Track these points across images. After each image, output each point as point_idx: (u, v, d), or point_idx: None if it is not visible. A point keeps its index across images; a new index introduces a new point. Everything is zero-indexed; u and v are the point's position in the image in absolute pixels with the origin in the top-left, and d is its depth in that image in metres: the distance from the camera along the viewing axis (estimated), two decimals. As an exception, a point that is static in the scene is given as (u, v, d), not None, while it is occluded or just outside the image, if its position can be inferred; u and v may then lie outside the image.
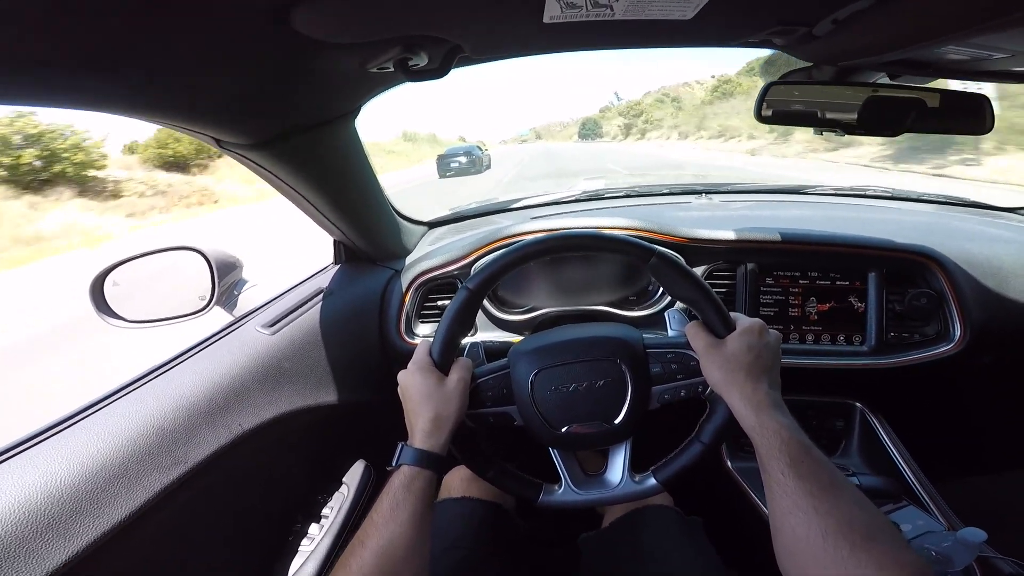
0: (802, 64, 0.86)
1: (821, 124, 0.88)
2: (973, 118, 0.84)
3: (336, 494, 1.03)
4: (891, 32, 0.61)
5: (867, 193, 1.62)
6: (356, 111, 0.86)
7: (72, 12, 0.38)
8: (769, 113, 0.87)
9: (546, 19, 0.59)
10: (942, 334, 1.07)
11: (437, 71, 0.70)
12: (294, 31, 0.51)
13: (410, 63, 0.67)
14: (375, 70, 0.67)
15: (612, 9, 0.57)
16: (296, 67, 0.62)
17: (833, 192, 1.62)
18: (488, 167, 20.49)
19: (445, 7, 0.56)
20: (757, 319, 0.67)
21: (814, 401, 1.19)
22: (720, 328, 0.66)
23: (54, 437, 0.62)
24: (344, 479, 1.06)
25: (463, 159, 19.19)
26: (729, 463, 1.13)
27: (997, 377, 1.25)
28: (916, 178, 10.48)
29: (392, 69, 0.67)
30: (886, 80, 0.85)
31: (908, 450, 1.08)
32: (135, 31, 0.43)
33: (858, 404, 1.18)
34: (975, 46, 0.60)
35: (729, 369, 0.63)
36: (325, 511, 1.00)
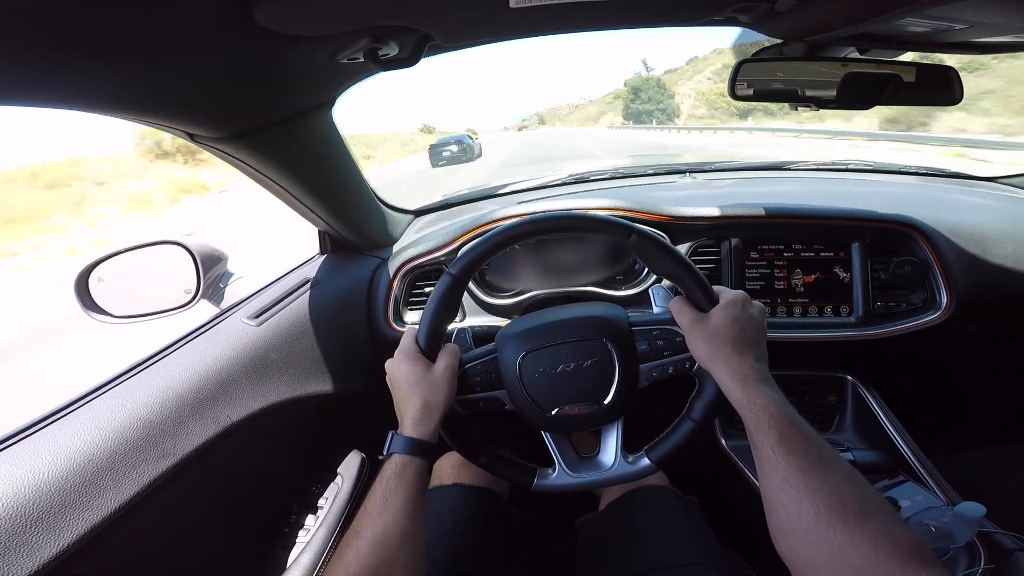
0: (773, 42, 0.86)
1: (796, 100, 0.88)
2: (944, 90, 0.84)
3: (331, 485, 1.04)
4: (851, 4, 0.62)
5: (849, 167, 1.63)
6: (331, 102, 0.86)
7: (29, 3, 0.37)
8: (744, 91, 0.87)
9: (513, 3, 0.59)
10: (929, 302, 1.09)
11: (407, 60, 0.70)
12: (256, 24, 0.51)
13: (380, 53, 0.67)
14: (345, 61, 0.68)
15: None
16: (264, 59, 0.62)
17: (816, 167, 1.63)
18: (480, 155, 20.80)
19: None
20: (740, 291, 0.67)
21: (805, 375, 1.20)
22: (703, 302, 0.67)
23: (40, 432, 0.63)
24: (339, 469, 1.07)
25: (454, 148, 19.57)
26: (723, 441, 1.14)
27: (986, 346, 1.26)
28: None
29: (362, 60, 0.68)
30: (856, 55, 0.85)
31: (902, 424, 1.09)
32: (93, 23, 0.43)
33: (849, 377, 1.19)
34: (934, 17, 0.60)
35: (714, 343, 0.63)
36: (320, 502, 1.01)
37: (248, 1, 0.47)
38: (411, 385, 0.66)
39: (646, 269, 1.15)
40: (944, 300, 1.06)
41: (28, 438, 0.62)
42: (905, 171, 1.59)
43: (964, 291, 1.05)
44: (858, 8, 0.62)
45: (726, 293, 0.67)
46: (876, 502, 0.49)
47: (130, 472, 0.64)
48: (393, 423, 0.68)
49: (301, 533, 0.95)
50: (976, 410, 1.43)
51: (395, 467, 0.61)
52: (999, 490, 0.93)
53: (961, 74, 0.81)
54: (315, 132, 0.88)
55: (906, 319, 1.08)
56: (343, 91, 0.85)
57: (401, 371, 0.67)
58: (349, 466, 1.09)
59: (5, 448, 0.60)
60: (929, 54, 0.84)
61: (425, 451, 0.63)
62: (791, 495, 0.50)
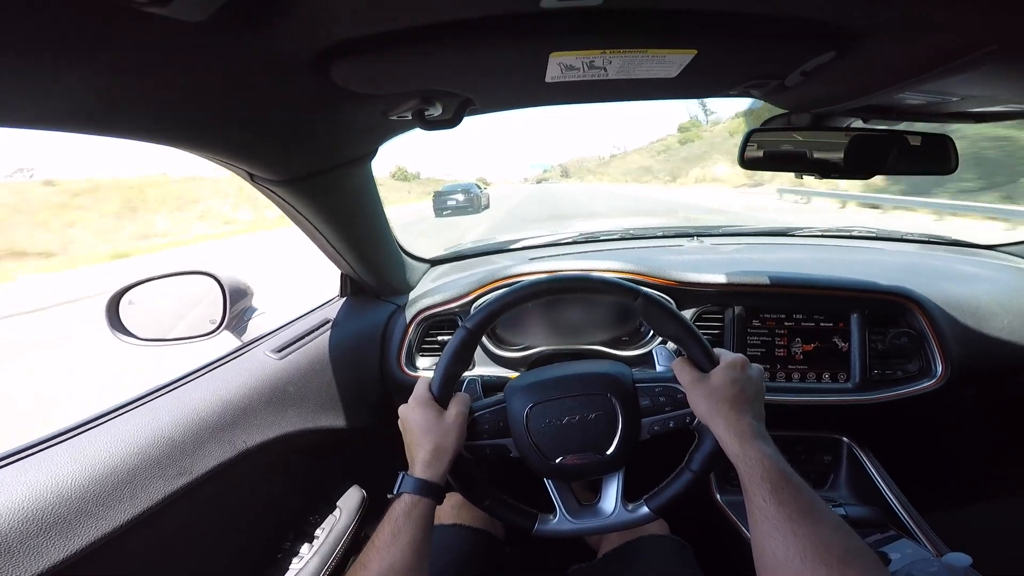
0: (781, 111, 0.94)
1: (804, 164, 0.94)
2: (941, 158, 0.90)
3: (329, 516, 1.05)
4: (853, 81, 0.69)
5: (852, 234, 1.68)
6: (373, 153, 0.93)
7: (163, 64, 0.45)
8: (752, 158, 0.94)
9: (548, 79, 0.66)
10: (924, 370, 1.12)
11: (450, 121, 0.77)
12: (331, 82, 0.58)
13: (426, 113, 0.74)
14: (395, 117, 0.75)
15: (606, 71, 0.64)
16: (327, 113, 0.69)
17: (820, 234, 1.68)
18: (487, 206, 19.89)
19: (461, 68, 0.63)
20: (740, 354, 0.72)
21: (802, 436, 1.22)
22: (705, 363, 0.71)
23: (69, 440, 0.66)
24: (338, 502, 1.08)
25: (460, 197, 18.39)
26: (718, 496, 1.16)
27: (978, 409, 1.28)
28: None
29: (410, 117, 0.75)
30: (859, 124, 0.91)
31: (895, 481, 1.10)
32: (196, 84, 0.50)
33: (844, 438, 1.22)
34: (929, 92, 0.67)
35: (714, 401, 0.67)
36: (317, 532, 1.01)
37: (327, 60, 0.54)
38: (423, 430, 0.69)
39: (650, 331, 1.18)
40: (939, 369, 1.09)
41: (56, 446, 0.64)
42: (907, 238, 1.64)
43: (959, 361, 1.08)
44: (859, 84, 0.69)
45: (726, 355, 0.72)
46: (861, 551, 0.52)
47: (147, 487, 0.67)
48: (395, 463, 0.71)
49: (295, 560, 0.95)
50: (967, 466, 1.43)
51: (404, 506, 0.63)
52: (985, 541, 0.92)
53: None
54: (355, 180, 0.95)
55: (901, 386, 1.11)
56: (384, 143, 0.93)
57: (414, 416, 0.71)
58: (348, 500, 1.10)
59: (33, 454, 0.62)
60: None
61: (434, 492, 0.66)
62: (779, 541, 0.53)
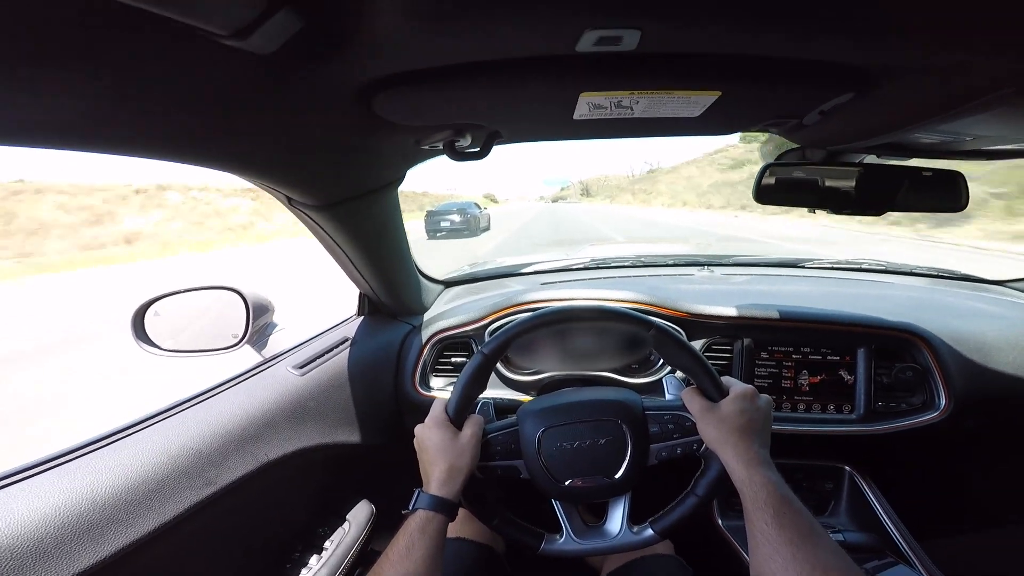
0: (795, 145, 0.96)
1: (818, 197, 0.96)
2: (952, 195, 0.91)
3: (338, 529, 1.06)
4: (869, 121, 0.72)
5: (862, 267, 1.69)
6: (401, 178, 0.97)
7: (229, 94, 0.49)
8: (767, 193, 0.96)
9: (576, 116, 0.69)
10: (928, 403, 1.13)
11: (478, 153, 0.81)
12: (372, 112, 0.61)
13: (456, 144, 0.78)
14: (426, 147, 0.78)
15: (632, 110, 0.67)
16: (365, 141, 0.73)
17: (830, 266, 1.69)
18: (487, 228, 18.44)
19: (494, 104, 0.66)
20: (749, 385, 0.75)
21: (804, 464, 1.24)
22: (714, 393, 0.74)
23: (106, 448, 0.68)
24: (347, 516, 1.10)
25: (456, 218, 16.59)
26: (720, 520, 1.17)
27: (981, 441, 1.30)
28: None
29: (440, 147, 0.78)
30: (873, 160, 0.94)
31: (894, 509, 1.12)
32: (250, 124, 0.56)
33: (847, 467, 1.23)
34: (943, 132, 0.70)
35: (724, 430, 0.70)
36: (327, 544, 1.03)
37: (370, 92, 0.57)
38: (439, 450, 0.72)
39: (660, 360, 1.20)
40: (943, 402, 1.11)
41: (91, 454, 0.66)
42: (916, 272, 1.65)
43: (963, 395, 1.10)
44: (875, 123, 0.72)
45: (736, 386, 0.75)
46: (856, 574, 0.54)
47: (175, 496, 0.69)
48: (404, 479, 0.74)
49: (303, 570, 0.96)
50: (968, 497, 1.43)
51: (419, 521, 0.66)
52: (981, 569, 0.92)
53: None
54: (384, 204, 0.99)
55: (905, 417, 1.12)
56: (411, 168, 0.96)
57: (430, 436, 0.74)
58: (358, 514, 1.11)
59: (70, 461, 0.64)
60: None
61: (448, 509, 0.68)
62: (779, 563, 0.55)
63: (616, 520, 0.79)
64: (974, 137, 0.74)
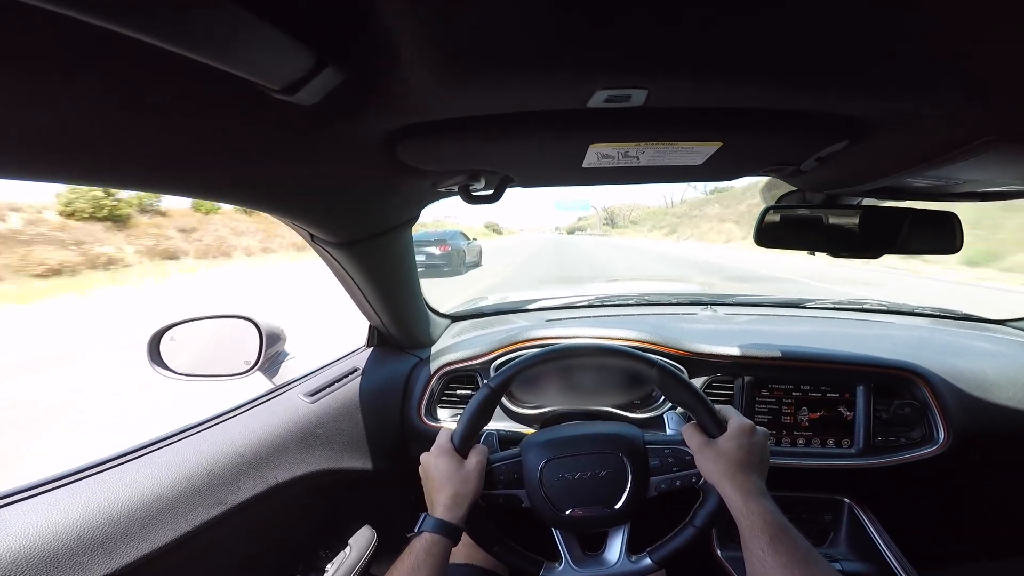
0: (794, 188, 1.00)
1: (816, 244, 0.99)
2: (947, 237, 0.93)
3: (339, 553, 1.07)
4: (863, 166, 0.76)
5: (864, 307, 1.71)
6: (416, 218, 1.01)
7: (272, 141, 0.53)
8: (768, 236, 0.99)
9: (584, 164, 0.74)
10: (927, 437, 1.15)
11: (491, 197, 0.85)
12: (396, 158, 0.66)
13: (470, 187, 0.82)
14: (442, 189, 0.82)
15: (638, 159, 0.71)
16: (387, 184, 0.77)
17: (831, 306, 1.70)
18: (476, 264, 15.08)
19: (508, 153, 0.71)
20: (747, 420, 0.78)
21: (804, 497, 1.24)
22: (713, 430, 0.77)
23: (125, 465, 0.70)
24: (349, 540, 1.11)
25: (433, 250, 12.62)
26: (719, 551, 1.18)
27: (980, 473, 1.30)
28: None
29: (456, 190, 0.82)
30: (871, 202, 0.97)
31: (894, 540, 1.12)
32: (300, 159, 0.60)
33: (846, 500, 1.24)
34: (934, 177, 0.74)
35: (723, 463, 0.73)
36: (327, 567, 1.03)
37: (395, 140, 0.62)
38: (445, 477, 0.75)
39: (661, 396, 1.22)
40: (941, 437, 1.13)
41: (110, 471, 0.68)
42: (918, 312, 1.66)
43: (962, 430, 1.12)
44: (869, 169, 0.76)
45: (734, 420, 0.77)
46: None
47: (186, 514, 0.70)
48: (405, 505, 0.74)
49: None
50: (967, 529, 1.42)
51: (425, 544, 0.68)
52: None
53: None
54: (398, 242, 1.02)
55: (904, 451, 1.14)
56: (425, 207, 1.01)
57: (436, 464, 0.76)
58: (359, 538, 1.12)
59: (89, 477, 0.66)
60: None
61: (452, 533, 0.71)
62: None
63: (615, 549, 0.81)
64: (964, 181, 0.78)
